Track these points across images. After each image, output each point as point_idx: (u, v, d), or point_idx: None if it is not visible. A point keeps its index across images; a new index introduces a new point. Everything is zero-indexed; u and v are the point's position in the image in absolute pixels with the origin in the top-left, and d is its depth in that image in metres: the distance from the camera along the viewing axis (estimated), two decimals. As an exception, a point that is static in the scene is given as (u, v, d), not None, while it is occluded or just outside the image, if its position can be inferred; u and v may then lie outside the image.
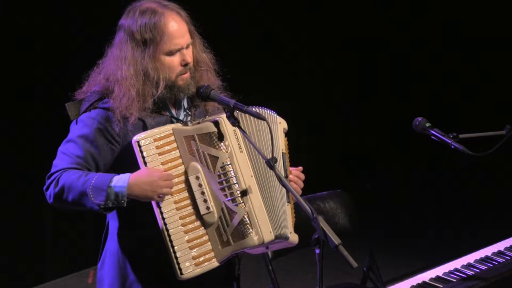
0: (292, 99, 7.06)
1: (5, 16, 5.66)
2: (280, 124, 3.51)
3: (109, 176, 3.25)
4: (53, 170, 3.32)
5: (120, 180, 3.23)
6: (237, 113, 3.32)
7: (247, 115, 3.35)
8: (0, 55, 5.69)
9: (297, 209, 3.42)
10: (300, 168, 3.55)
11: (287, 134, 3.54)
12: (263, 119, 3.27)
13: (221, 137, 3.34)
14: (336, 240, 3.01)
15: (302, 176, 3.54)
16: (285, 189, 3.41)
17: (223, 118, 3.34)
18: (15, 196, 5.84)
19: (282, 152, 3.47)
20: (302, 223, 3.47)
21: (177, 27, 3.35)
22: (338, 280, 4.76)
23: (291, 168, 3.52)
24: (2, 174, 5.79)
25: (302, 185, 3.53)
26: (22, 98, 5.82)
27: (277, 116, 3.50)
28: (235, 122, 3.27)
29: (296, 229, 3.46)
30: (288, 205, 3.46)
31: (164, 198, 3.27)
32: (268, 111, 3.46)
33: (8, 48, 5.71)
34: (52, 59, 5.80)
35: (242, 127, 3.31)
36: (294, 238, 3.44)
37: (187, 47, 3.39)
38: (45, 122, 5.71)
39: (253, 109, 3.32)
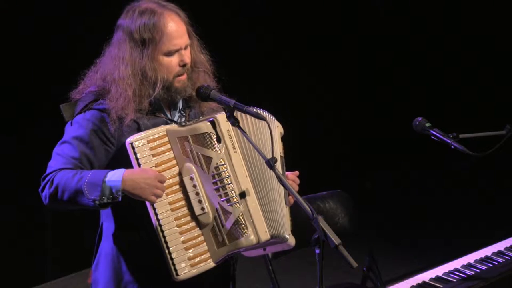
0: (292, 98, 7.05)
1: (4, 17, 5.66)
2: (278, 128, 3.51)
3: (104, 172, 3.23)
4: (48, 171, 3.31)
5: (114, 175, 3.22)
6: (236, 113, 3.31)
7: (246, 115, 3.34)
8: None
9: (297, 209, 3.40)
10: (297, 172, 3.52)
11: (283, 138, 3.52)
12: (263, 119, 3.26)
13: (215, 137, 3.32)
14: (336, 240, 3.00)
15: (298, 181, 3.52)
16: (283, 191, 3.40)
17: (216, 118, 3.33)
18: (15, 196, 5.83)
19: (280, 155, 3.46)
20: (302, 223, 3.46)
21: (176, 27, 3.35)
22: (338, 280, 4.76)
23: (287, 173, 3.49)
24: (2, 173, 5.78)
25: (297, 188, 3.49)
26: (21, 98, 5.82)
27: (274, 119, 3.48)
28: (235, 122, 3.26)
29: (296, 229, 3.45)
30: (286, 207, 3.44)
31: (156, 199, 3.24)
32: (267, 113, 3.44)
33: (7, 48, 5.72)
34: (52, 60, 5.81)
35: (241, 127, 3.29)
36: (291, 240, 3.42)
37: (185, 48, 3.38)
38: (45, 123, 5.69)
39: (253, 109, 3.31)
